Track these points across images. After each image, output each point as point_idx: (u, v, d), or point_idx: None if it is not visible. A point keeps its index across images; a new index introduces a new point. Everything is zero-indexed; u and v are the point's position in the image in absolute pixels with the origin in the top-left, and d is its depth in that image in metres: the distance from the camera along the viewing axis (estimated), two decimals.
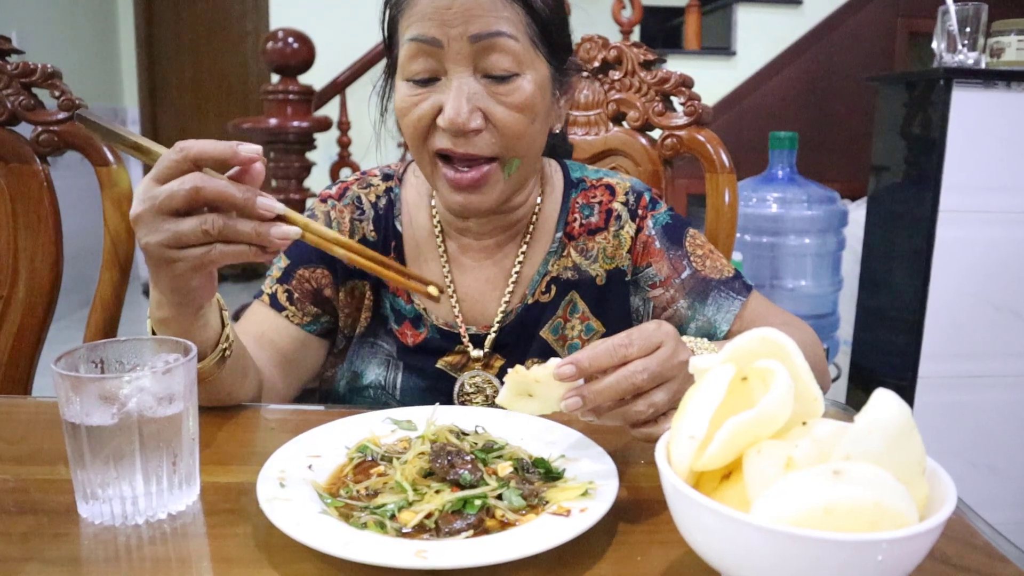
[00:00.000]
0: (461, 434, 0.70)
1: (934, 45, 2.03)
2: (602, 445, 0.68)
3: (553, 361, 0.62)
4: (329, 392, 1.02)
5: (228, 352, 0.76)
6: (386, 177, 1.02)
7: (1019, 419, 2.12)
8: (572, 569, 0.54)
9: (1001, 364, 2.10)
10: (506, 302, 0.96)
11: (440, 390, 0.96)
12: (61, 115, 1.14)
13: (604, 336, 0.64)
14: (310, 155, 3.08)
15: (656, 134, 1.27)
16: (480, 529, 0.57)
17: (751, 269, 2.57)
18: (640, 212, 0.99)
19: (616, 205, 0.99)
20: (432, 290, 0.72)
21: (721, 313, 0.95)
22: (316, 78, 3.14)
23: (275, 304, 0.94)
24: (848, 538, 0.40)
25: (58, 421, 0.58)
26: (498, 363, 0.96)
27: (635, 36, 3.84)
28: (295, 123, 2.91)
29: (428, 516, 0.57)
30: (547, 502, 0.60)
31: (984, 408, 2.11)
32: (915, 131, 2.08)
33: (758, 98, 3.58)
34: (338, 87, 3.59)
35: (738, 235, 1.81)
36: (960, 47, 1.97)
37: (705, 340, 0.78)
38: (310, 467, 0.65)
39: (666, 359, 0.63)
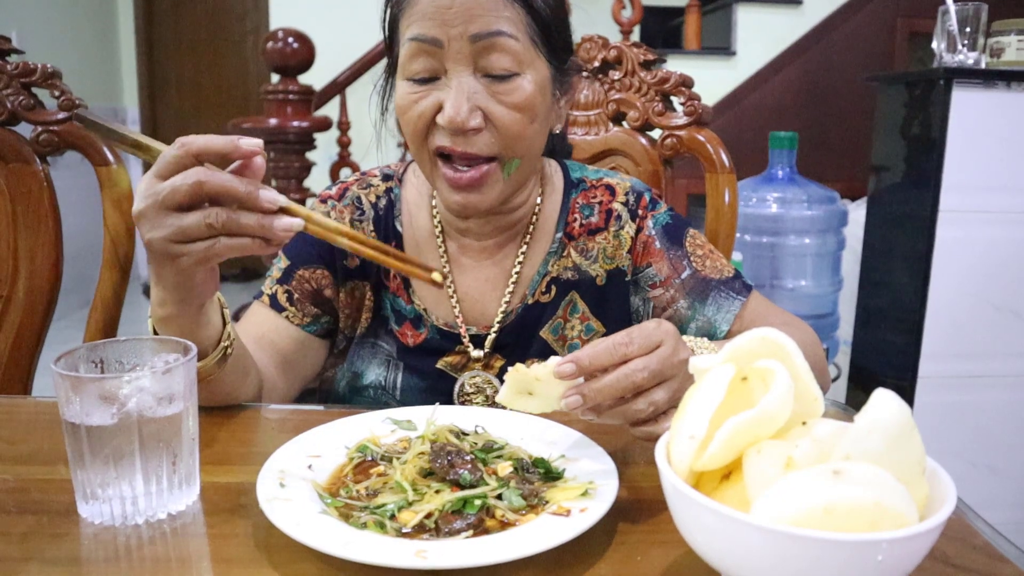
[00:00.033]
0: (461, 434, 0.70)
1: (934, 45, 2.02)
2: (602, 445, 0.68)
3: (553, 359, 0.62)
4: (329, 392, 1.02)
5: (230, 351, 0.76)
6: (386, 177, 1.02)
7: (1019, 419, 2.12)
8: (572, 569, 0.54)
9: (1001, 364, 2.10)
10: (506, 302, 0.96)
11: (440, 390, 0.96)
12: (61, 115, 1.14)
13: (604, 336, 0.64)
14: (310, 155, 3.08)
15: (656, 134, 1.27)
16: (480, 529, 0.57)
17: (751, 269, 2.57)
18: (640, 212, 0.99)
19: (616, 205, 0.99)
20: (436, 276, 0.72)
21: (721, 313, 0.95)
22: (316, 78, 3.14)
23: (275, 305, 0.94)
24: (848, 538, 0.40)
25: (58, 421, 0.58)
26: (498, 363, 0.96)
27: (635, 36, 3.84)
28: (295, 123, 2.91)
29: (428, 516, 0.57)
30: (547, 502, 0.60)
31: (984, 408, 2.11)
32: (915, 131, 2.07)
33: (758, 98, 3.58)
34: (338, 87, 3.59)
35: (738, 235, 1.81)
36: (960, 47, 1.97)
37: (705, 340, 0.78)
38: (310, 467, 0.65)
39: (666, 357, 0.63)
